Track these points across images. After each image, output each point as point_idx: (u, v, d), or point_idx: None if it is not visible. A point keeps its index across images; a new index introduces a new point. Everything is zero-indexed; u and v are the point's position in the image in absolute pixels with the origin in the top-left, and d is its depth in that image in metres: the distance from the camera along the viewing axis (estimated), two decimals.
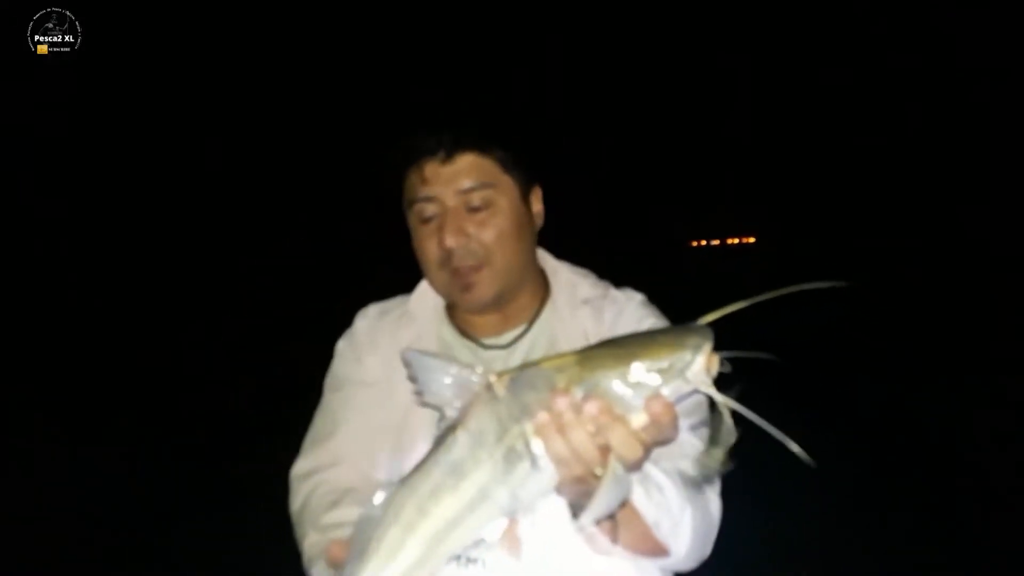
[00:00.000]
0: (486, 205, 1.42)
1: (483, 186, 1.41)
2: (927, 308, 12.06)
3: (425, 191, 1.42)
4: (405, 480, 1.02)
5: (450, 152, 1.41)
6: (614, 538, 1.20)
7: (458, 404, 0.98)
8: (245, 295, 13.85)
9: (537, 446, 0.94)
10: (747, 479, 1.29)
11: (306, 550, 1.41)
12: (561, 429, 0.92)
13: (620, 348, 0.96)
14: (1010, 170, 20.50)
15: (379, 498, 1.03)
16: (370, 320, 1.59)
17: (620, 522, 1.18)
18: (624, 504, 1.13)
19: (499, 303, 1.47)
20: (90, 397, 7.75)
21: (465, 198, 1.41)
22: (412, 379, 1.00)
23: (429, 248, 1.45)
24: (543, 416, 0.92)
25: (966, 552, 4.16)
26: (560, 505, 1.16)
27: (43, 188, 17.27)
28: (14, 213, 15.46)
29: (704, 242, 39.88)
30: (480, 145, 1.43)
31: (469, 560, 1.31)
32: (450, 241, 1.40)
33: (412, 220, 1.48)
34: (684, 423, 1.17)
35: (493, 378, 0.97)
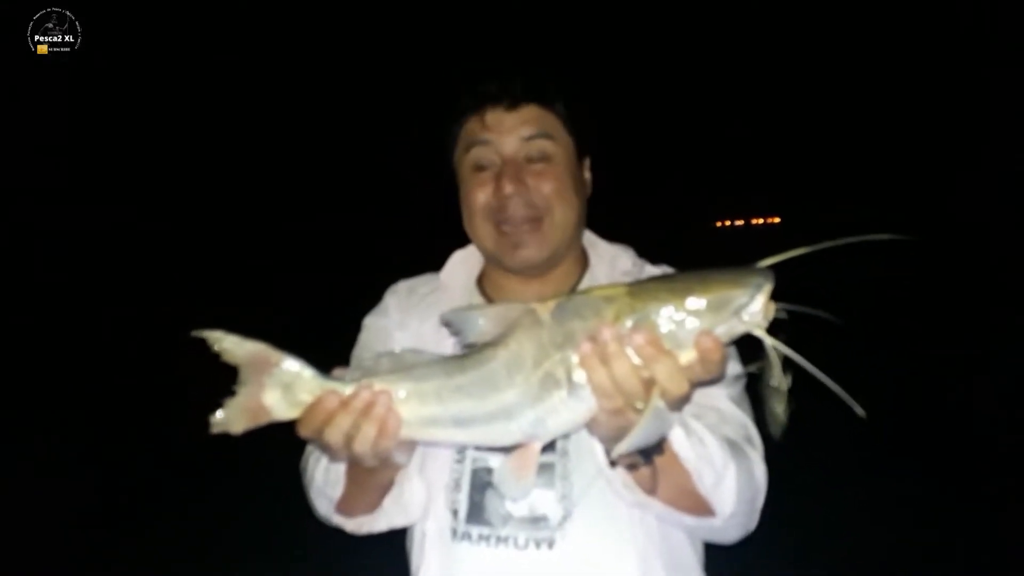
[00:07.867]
0: (545, 157, 1.39)
1: (544, 135, 1.39)
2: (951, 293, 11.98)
3: (485, 135, 1.39)
4: (442, 359, 1.00)
5: (515, 100, 1.39)
6: (652, 488, 1.14)
7: (497, 332, 0.96)
8: (250, 293, 13.66)
9: (579, 375, 0.92)
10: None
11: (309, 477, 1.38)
12: (606, 359, 0.90)
13: (675, 282, 0.93)
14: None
15: (410, 350, 1.03)
16: (400, 297, 1.56)
17: (660, 470, 1.12)
18: (664, 450, 1.09)
19: (545, 267, 1.43)
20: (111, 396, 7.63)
21: (526, 147, 1.38)
22: (455, 334, 0.99)
23: (479, 197, 1.40)
24: (587, 345, 0.90)
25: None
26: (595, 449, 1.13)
27: (43, 187, 17.68)
28: (13, 212, 15.73)
29: (729, 222, 40.26)
30: (544, 98, 1.41)
31: (499, 540, 1.29)
32: (508, 188, 1.36)
33: (464, 169, 1.43)
34: (731, 369, 1.19)
35: (537, 304, 0.95)
